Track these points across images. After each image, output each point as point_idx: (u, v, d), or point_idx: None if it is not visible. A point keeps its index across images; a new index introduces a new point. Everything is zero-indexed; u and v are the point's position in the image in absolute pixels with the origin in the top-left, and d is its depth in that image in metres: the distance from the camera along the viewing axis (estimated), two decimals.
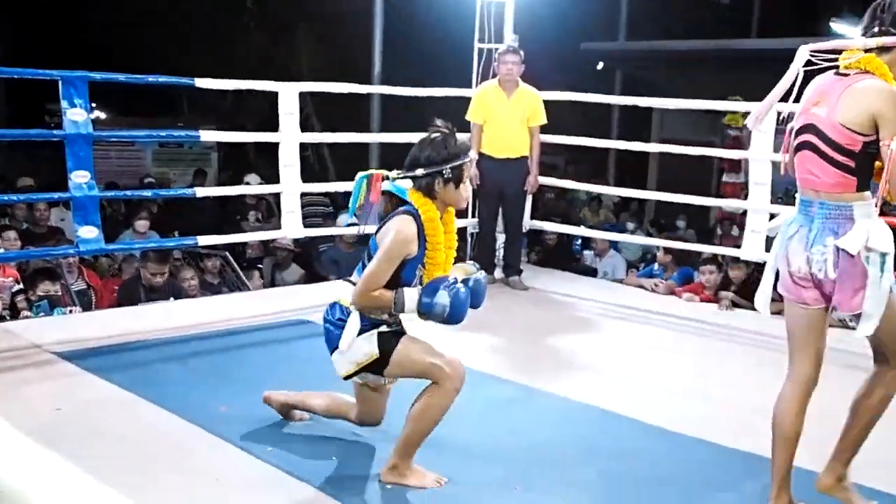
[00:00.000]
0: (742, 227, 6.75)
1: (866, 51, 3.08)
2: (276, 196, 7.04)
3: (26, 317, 6.04)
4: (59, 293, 6.43)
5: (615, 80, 17.90)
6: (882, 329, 3.09)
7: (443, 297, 3.24)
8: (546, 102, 6.98)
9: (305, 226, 6.55)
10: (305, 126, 7.04)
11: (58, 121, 5.47)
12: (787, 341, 3.29)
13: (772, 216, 6.43)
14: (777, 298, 3.43)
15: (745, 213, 6.69)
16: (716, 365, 5.34)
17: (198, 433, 3.79)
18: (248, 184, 10.73)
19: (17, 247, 7.31)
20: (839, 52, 3.16)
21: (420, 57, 16.47)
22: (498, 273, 7.16)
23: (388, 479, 3.35)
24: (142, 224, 8.76)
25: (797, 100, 3.26)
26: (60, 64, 5.35)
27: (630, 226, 12.82)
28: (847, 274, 3.02)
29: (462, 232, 5.71)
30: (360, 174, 3.49)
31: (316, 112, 17.67)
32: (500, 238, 7.26)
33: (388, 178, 3.45)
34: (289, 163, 6.23)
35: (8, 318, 5.97)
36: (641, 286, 7.61)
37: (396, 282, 3.29)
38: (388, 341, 3.32)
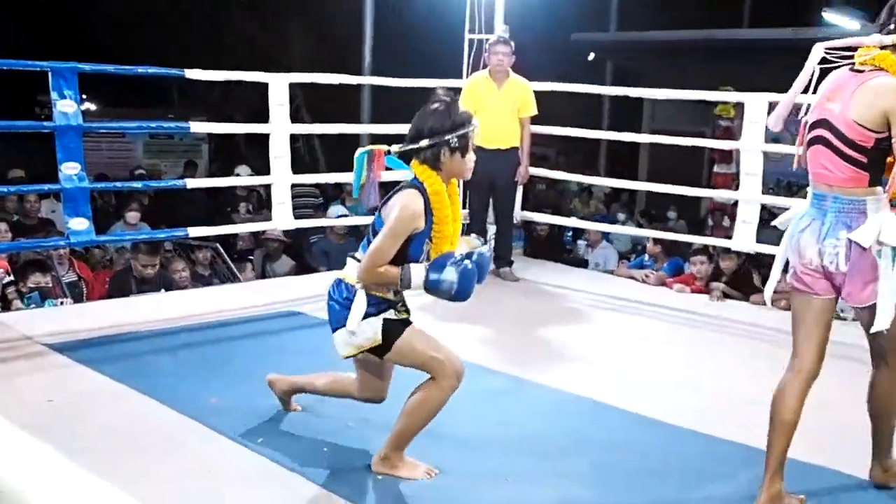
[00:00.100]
0: (733, 218, 6.76)
1: (882, 48, 3.12)
2: (267, 187, 7.03)
3: (17, 308, 6.02)
4: (50, 285, 6.41)
5: (606, 71, 17.89)
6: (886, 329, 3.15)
7: (450, 274, 3.20)
8: (537, 93, 6.97)
9: (296, 217, 6.55)
10: (296, 117, 7.02)
11: (48, 112, 5.45)
12: (791, 331, 3.34)
13: (763, 207, 6.46)
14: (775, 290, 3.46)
15: (736, 203, 6.70)
16: (707, 356, 5.35)
17: (189, 424, 3.79)
18: (238, 175, 10.70)
19: (8, 238, 7.29)
20: (854, 49, 3.21)
21: (411, 48, 16.45)
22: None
23: (379, 469, 3.35)
24: (132, 216, 8.74)
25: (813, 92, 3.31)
26: (50, 55, 5.33)
27: (621, 216, 12.84)
28: (858, 267, 3.09)
29: None
30: (360, 150, 3.41)
31: (306, 103, 17.64)
32: (491, 229, 7.25)
33: (389, 152, 3.38)
34: (279, 154, 6.22)
35: None
36: (632, 277, 7.62)
37: (403, 257, 3.23)
38: (394, 329, 3.27)
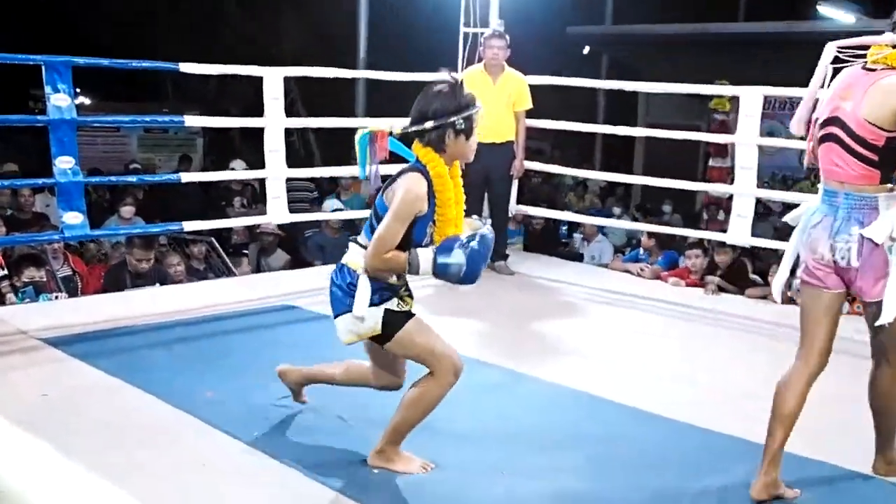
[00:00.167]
0: (728, 212, 6.77)
1: (894, 47, 3.14)
2: (262, 181, 7.02)
3: (11, 303, 6.02)
4: (45, 279, 6.40)
5: (601, 65, 17.90)
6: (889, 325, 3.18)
7: (458, 257, 3.17)
8: (532, 87, 6.96)
9: (291, 211, 6.54)
10: (291, 111, 7.01)
11: (42, 106, 5.43)
12: (798, 325, 3.41)
13: (758, 201, 6.46)
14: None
15: (731, 197, 6.70)
16: (702, 349, 5.36)
17: (184, 419, 3.78)
18: (233, 169, 10.69)
19: (2, 233, 7.28)
20: (867, 47, 3.24)
21: (405, 42, 16.44)
22: None
23: (374, 463, 3.34)
24: (127, 210, 8.72)
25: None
26: (45, 51, 5.31)
27: (616, 210, 12.85)
28: (870, 263, 3.12)
29: None
30: (362, 131, 3.34)
31: (301, 97, 17.62)
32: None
33: (391, 133, 3.31)
34: (274, 148, 6.20)
35: None
36: (627, 271, 7.62)
37: (407, 242, 3.18)
38: (395, 321, 3.23)
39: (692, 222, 11.20)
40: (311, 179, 10.72)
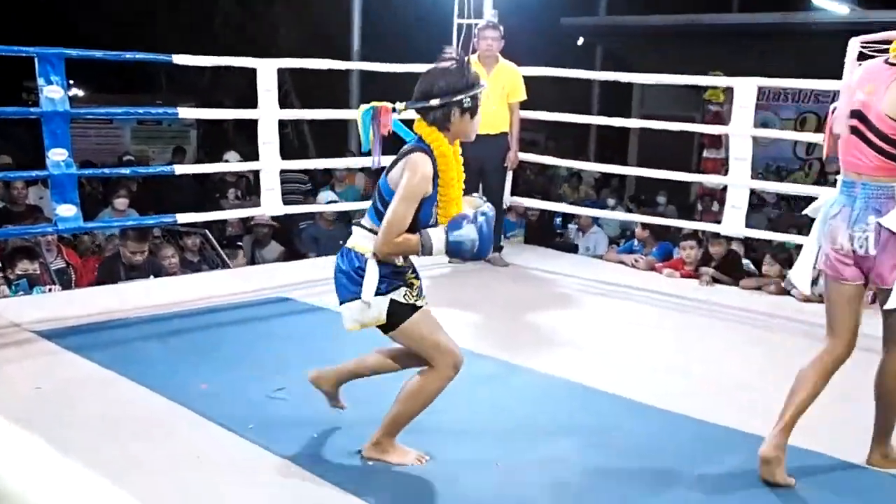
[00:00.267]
0: (722, 203, 6.77)
1: None
2: (256, 173, 7.01)
3: (5, 296, 6.00)
4: (38, 272, 6.39)
5: (596, 56, 17.88)
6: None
7: (470, 232, 3.14)
8: (526, 78, 6.95)
9: (285, 203, 6.53)
10: (284, 103, 7.00)
11: (35, 98, 5.41)
12: (825, 316, 3.45)
13: (752, 192, 6.47)
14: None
15: (725, 188, 6.71)
16: (697, 340, 5.37)
17: (179, 411, 3.78)
18: (227, 161, 10.67)
19: None
20: (889, 42, 3.28)
21: (399, 33, 16.40)
22: None
23: (370, 454, 3.34)
24: (121, 202, 8.70)
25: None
26: (37, 42, 5.29)
27: (610, 202, 12.85)
28: (887, 251, 3.18)
29: None
30: (364, 107, 3.30)
31: (295, 89, 17.59)
32: None
33: (394, 109, 3.27)
34: (268, 140, 6.19)
35: None
36: (622, 262, 7.62)
37: (415, 223, 3.13)
38: (400, 312, 3.19)
39: (687, 213, 11.21)
40: (306, 171, 10.69)
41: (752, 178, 6.49)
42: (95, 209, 9.11)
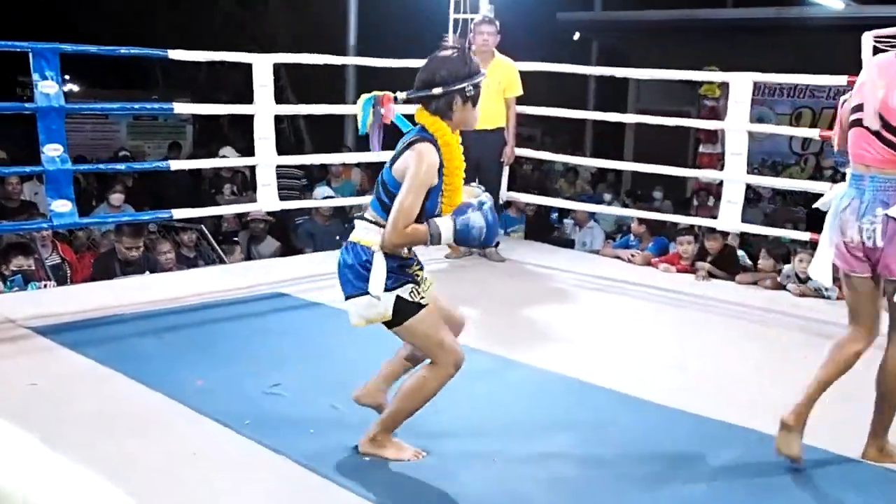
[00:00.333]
0: (718, 198, 6.77)
1: None
2: (252, 169, 7.00)
3: (0, 292, 5.99)
4: (33, 268, 6.37)
5: (592, 51, 17.88)
6: None
7: (478, 219, 3.14)
8: (522, 73, 6.94)
9: (280, 198, 6.52)
10: (280, 98, 6.99)
11: (30, 93, 5.40)
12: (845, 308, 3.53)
13: (748, 187, 6.47)
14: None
15: (721, 183, 6.71)
16: (693, 335, 5.36)
17: (175, 407, 3.77)
18: (225, 156, 10.65)
19: None
20: None
21: (395, 28, 16.38)
22: None
23: (366, 450, 3.33)
24: (116, 197, 8.69)
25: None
26: (32, 37, 5.27)
27: (607, 197, 12.86)
28: (895, 243, 3.21)
29: None
30: (365, 96, 3.27)
31: (291, 84, 17.57)
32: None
33: (396, 99, 3.24)
34: (263, 135, 6.18)
35: None
36: (618, 257, 7.62)
37: (421, 213, 3.11)
38: (406, 309, 3.16)
39: (683, 208, 11.22)
40: (301, 167, 10.69)
41: (748, 173, 6.50)
42: (91, 205, 9.11)
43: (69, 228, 7.16)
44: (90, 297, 5.42)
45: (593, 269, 6.98)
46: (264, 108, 6.15)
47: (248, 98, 6.20)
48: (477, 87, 3.21)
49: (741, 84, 6.24)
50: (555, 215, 11.17)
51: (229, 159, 9.83)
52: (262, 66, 6.09)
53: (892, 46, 3.38)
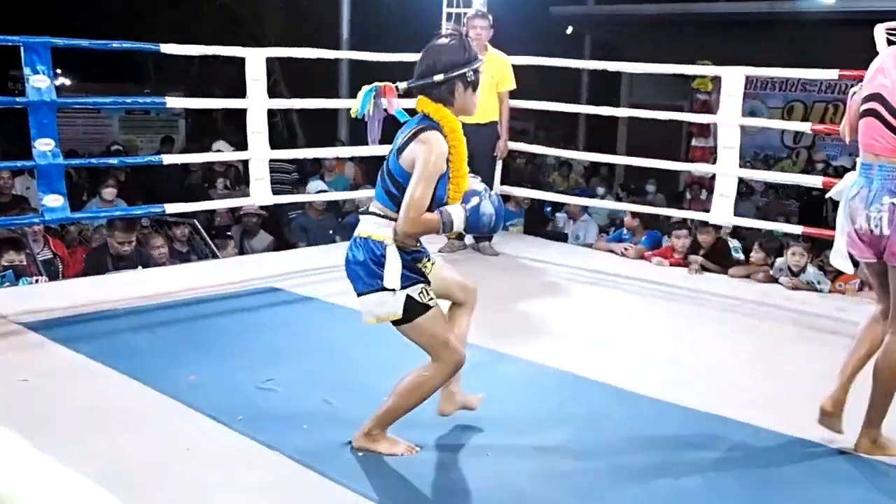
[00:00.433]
0: (711, 191, 6.78)
1: None
2: (245, 163, 6.98)
3: None
4: (25, 263, 6.35)
5: (585, 45, 17.88)
6: None
7: (487, 207, 3.17)
8: (515, 67, 6.94)
9: (274, 193, 6.50)
10: (274, 92, 6.97)
11: (21, 87, 5.37)
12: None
13: (740, 180, 6.48)
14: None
15: (713, 176, 6.72)
16: (686, 328, 5.37)
17: (167, 403, 3.76)
18: (220, 151, 10.62)
19: None
20: None
21: (388, 22, 16.36)
22: (468, 239, 7.15)
23: (359, 444, 3.33)
24: (108, 192, 8.66)
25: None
26: (23, 31, 5.24)
27: (600, 190, 12.86)
28: None
29: None
30: (366, 88, 3.26)
31: (284, 78, 17.54)
32: None
33: (397, 88, 3.24)
34: (256, 129, 6.17)
35: None
36: (611, 251, 7.63)
37: (431, 202, 3.11)
38: (415, 309, 3.16)
39: (676, 202, 11.22)
40: (294, 161, 10.67)
41: (740, 166, 6.50)
42: (83, 199, 9.08)
43: (61, 223, 7.14)
44: (82, 293, 5.41)
45: (586, 262, 6.99)
46: (257, 103, 6.14)
47: (242, 92, 6.19)
48: (477, 71, 3.24)
49: (733, 78, 6.24)
50: (548, 209, 11.18)
51: (221, 153, 9.81)
52: (256, 60, 6.08)
53: None
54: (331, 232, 9.06)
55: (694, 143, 13.01)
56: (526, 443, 3.52)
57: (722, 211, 6.36)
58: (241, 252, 8.66)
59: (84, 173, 10.97)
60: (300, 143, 17.56)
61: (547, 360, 4.51)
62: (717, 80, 7.59)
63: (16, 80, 16.74)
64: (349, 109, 3.33)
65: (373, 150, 3.59)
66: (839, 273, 6.77)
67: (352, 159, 11.27)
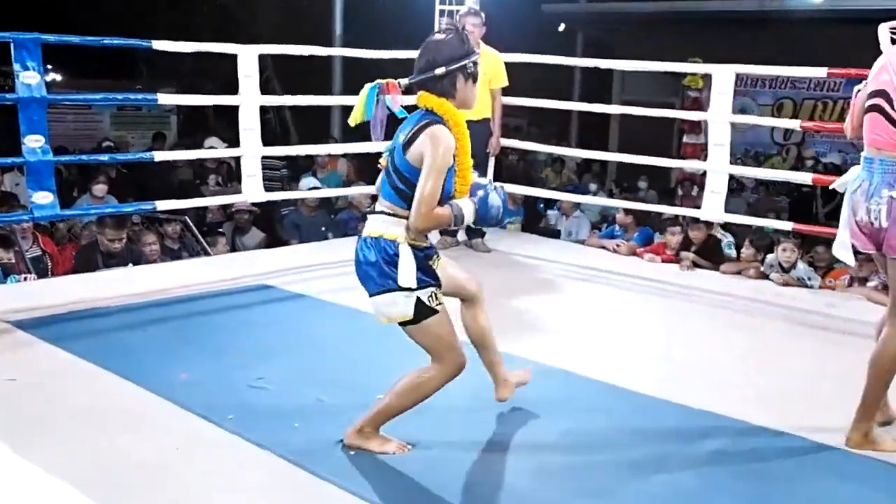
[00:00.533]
0: (702, 188, 6.79)
1: None
2: (237, 160, 6.96)
3: None
4: (13, 260, 6.33)
5: (577, 42, 17.87)
6: None
7: (495, 199, 3.20)
8: (508, 65, 6.93)
9: (266, 189, 6.49)
10: (266, 89, 6.95)
11: (11, 83, 5.34)
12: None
13: (731, 177, 6.49)
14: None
15: (704, 173, 6.72)
16: (678, 325, 5.38)
17: (159, 402, 3.74)
18: (212, 147, 10.58)
19: None
20: None
21: (381, 19, 16.33)
22: (461, 235, 7.15)
23: (351, 442, 3.32)
24: (99, 188, 8.63)
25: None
26: (14, 27, 5.21)
27: (592, 187, 12.87)
28: None
29: None
30: (368, 86, 3.27)
31: (277, 75, 17.49)
32: None
33: (400, 84, 3.25)
34: (249, 126, 6.15)
35: None
36: (603, 247, 7.64)
37: (440, 196, 3.11)
38: (424, 311, 3.17)
39: (667, 198, 11.24)
40: (287, 157, 10.65)
41: (731, 163, 6.51)
42: (73, 196, 9.05)
43: (50, 220, 7.11)
44: (72, 290, 5.38)
45: (579, 259, 6.99)
46: (250, 99, 6.12)
47: (235, 89, 6.16)
48: (476, 63, 3.24)
49: (724, 76, 6.25)
50: (541, 205, 11.18)
51: (213, 150, 9.78)
52: (248, 56, 6.06)
53: None
54: (323, 229, 9.05)
55: (685, 139, 13.02)
56: (518, 439, 3.53)
57: (713, 207, 6.36)
58: (233, 249, 8.64)
59: (74, 170, 10.92)
60: (293, 139, 17.53)
61: (538, 356, 4.50)
62: (707, 78, 7.58)
63: (6, 75, 16.69)
64: (342, 107, 3.33)
65: (366, 146, 3.58)
66: (829, 269, 6.80)
67: (344, 156, 11.25)
